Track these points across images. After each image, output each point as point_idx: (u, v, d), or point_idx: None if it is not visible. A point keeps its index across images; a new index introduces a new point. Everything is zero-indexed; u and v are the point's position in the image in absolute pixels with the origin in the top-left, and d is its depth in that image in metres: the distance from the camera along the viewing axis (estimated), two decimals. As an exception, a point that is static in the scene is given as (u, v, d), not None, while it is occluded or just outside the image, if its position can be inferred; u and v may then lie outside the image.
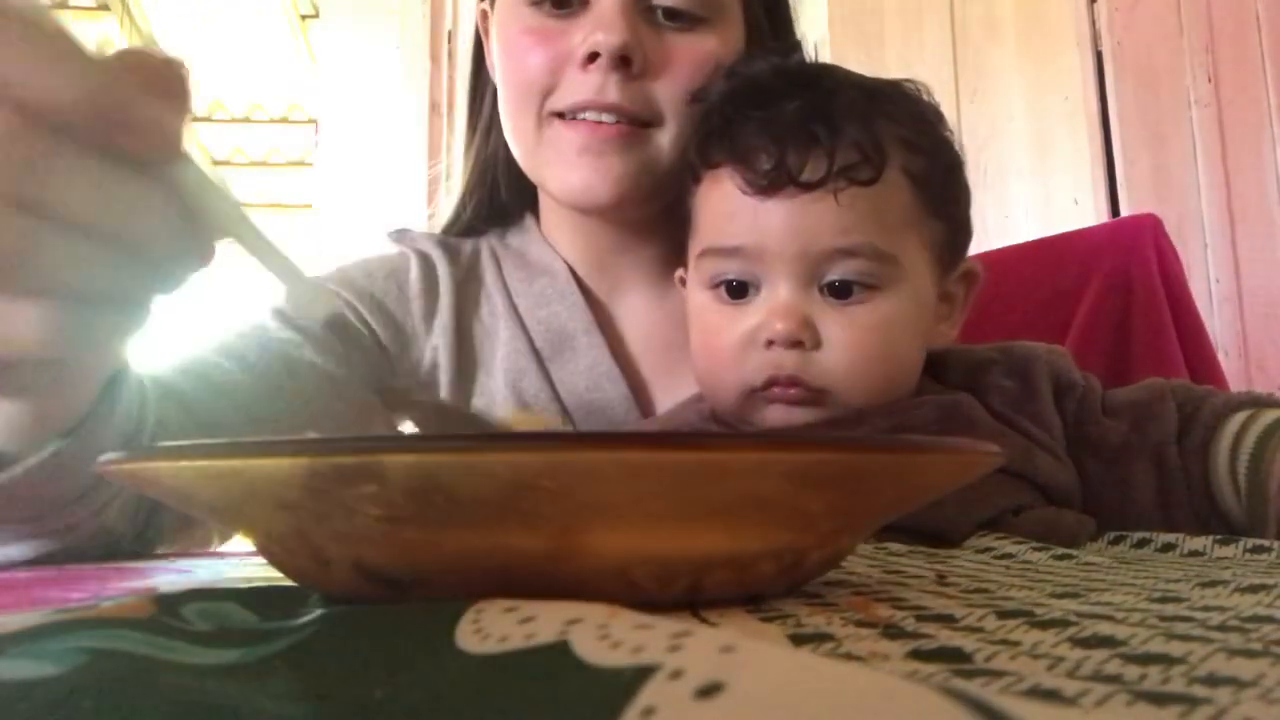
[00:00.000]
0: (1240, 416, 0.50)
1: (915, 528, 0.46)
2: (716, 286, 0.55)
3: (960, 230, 0.58)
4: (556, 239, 0.72)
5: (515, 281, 0.72)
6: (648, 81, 0.62)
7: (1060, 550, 0.41)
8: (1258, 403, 0.52)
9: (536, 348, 0.69)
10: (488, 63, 0.72)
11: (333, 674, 0.18)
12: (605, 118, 0.62)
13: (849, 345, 0.52)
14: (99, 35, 4.17)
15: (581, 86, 0.61)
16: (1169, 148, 1.89)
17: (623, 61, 0.60)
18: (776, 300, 0.52)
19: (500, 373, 0.68)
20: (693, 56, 0.63)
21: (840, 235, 0.51)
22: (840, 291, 0.52)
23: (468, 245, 0.75)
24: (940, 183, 0.55)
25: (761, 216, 0.52)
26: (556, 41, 0.62)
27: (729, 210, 0.54)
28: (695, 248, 0.57)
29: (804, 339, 0.51)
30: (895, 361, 0.54)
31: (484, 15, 0.72)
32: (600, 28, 0.60)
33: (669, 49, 0.63)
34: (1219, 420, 0.50)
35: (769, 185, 0.52)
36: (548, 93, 0.63)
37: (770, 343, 0.52)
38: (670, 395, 0.68)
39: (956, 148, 0.58)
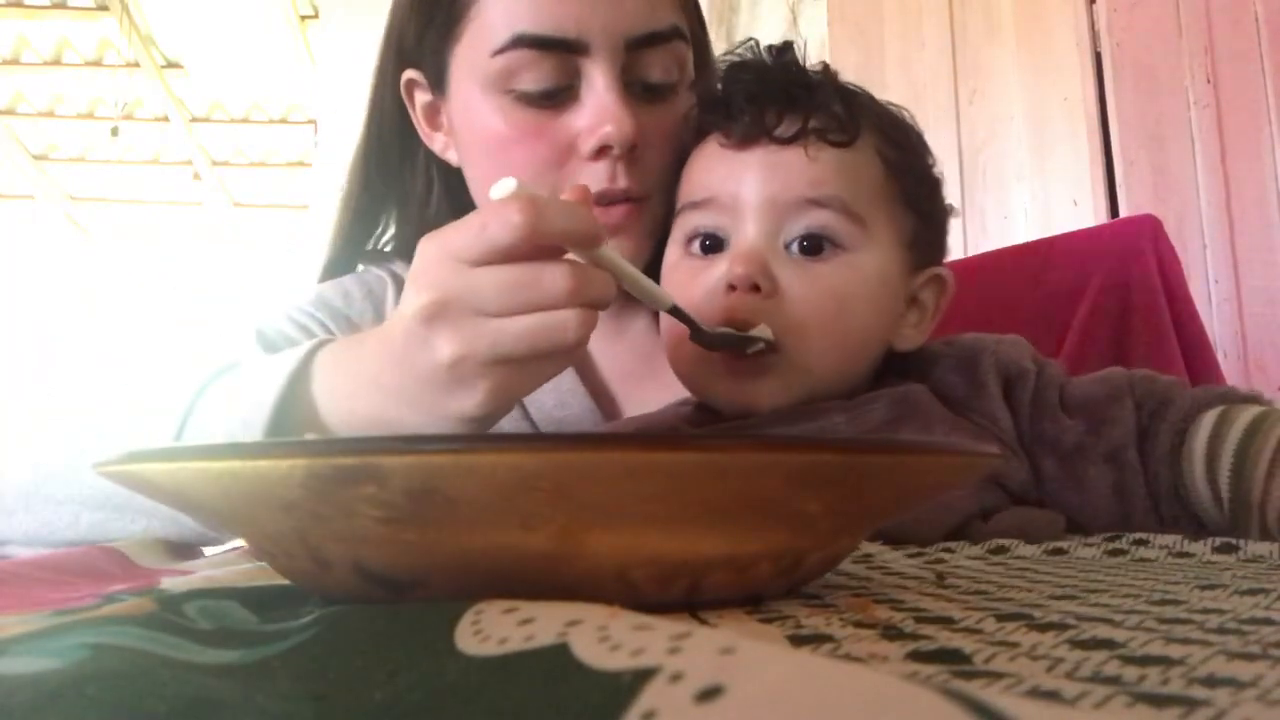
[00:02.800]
0: (1210, 417, 0.49)
1: (885, 535, 0.46)
2: (689, 243, 0.57)
3: (934, 231, 0.59)
4: None
5: None
6: (643, 158, 0.63)
7: (1053, 545, 0.42)
8: (1224, 399, 0.51)
9: None
10: (422, 133, 0.70)
11: (332, 675, 0.18)
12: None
13: (806, 299, 0.53)
14: (99, 36, 4.17)
15: (593, 176, 0.61)
16: (1168, 149, 1.89)
17: (630, 149, 0.61)
18: (741, 246, 0.54)
19: None
20: (670, 127, 0.64)
21: (808, 186, 0.53)
22: (808, 250, 0.54)
23: None
24: (915, 179, 0.58)
25: (736, 167, 0.55)
26: (550, 134, 0.62)
27: (708, 165, 0.57)
28: (676, 209, 0.59)
29: (761, 284, 0.52)
30: (851, 328, 0.54)
31: (410, 85, 0.69)
32: (607, 120, 0.60)
33: (655, 122, 0.63)
34: (1188, 423, 0.50)
35: (745, 138, 0.55)
36: (552, 187, 0.62)
37: (731, 288, 0.53)
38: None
39: (937, 173, 0.60)
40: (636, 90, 0.63)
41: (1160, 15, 1.93)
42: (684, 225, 0.58)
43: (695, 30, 0.69)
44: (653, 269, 0.69)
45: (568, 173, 0.62)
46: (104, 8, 3.99)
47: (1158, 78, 1.91)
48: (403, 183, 0.73)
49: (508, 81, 0.61)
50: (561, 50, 0.60)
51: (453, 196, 0.71)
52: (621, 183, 0.61)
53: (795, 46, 0.60)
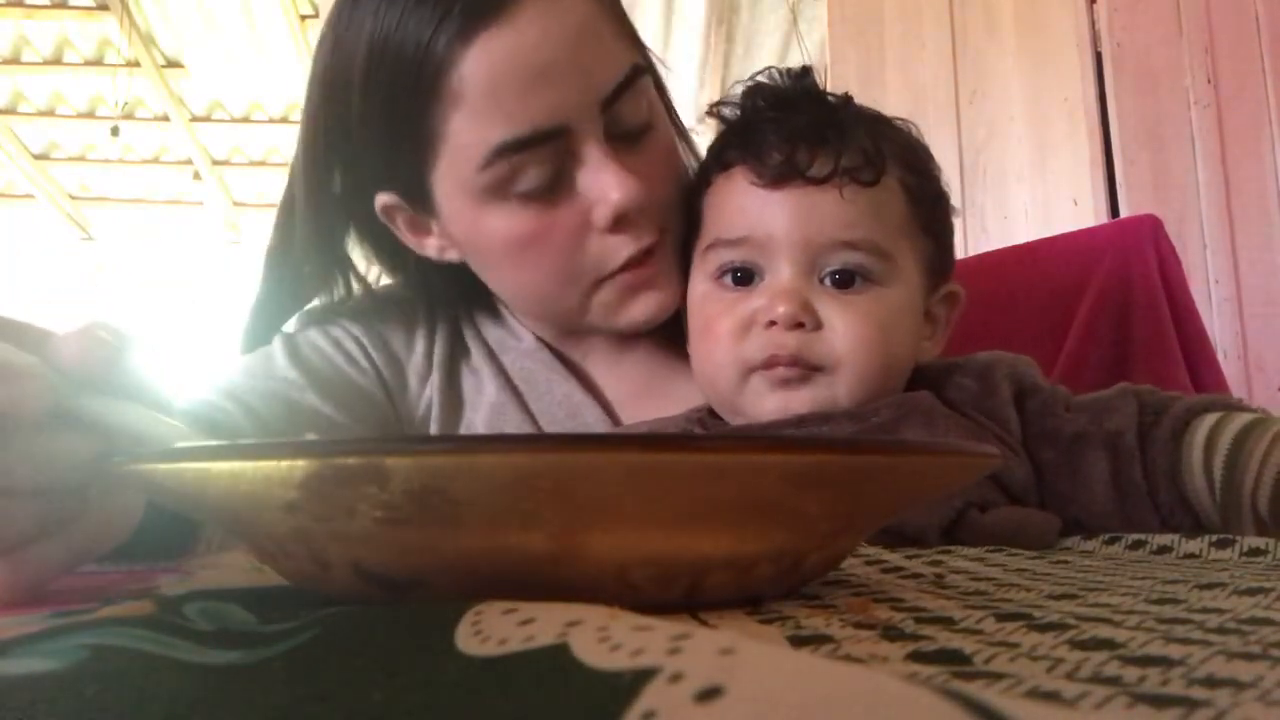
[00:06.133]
0: (1214, 415, 0.51)
1: (883, 528, 0.47)
2: (720, 276, 0.58)
3: (946, 252, 0.61)
4: (524, 322, 0.73)
5: (487, 328, 0.74)
6: (650, 202, 0.62)
7: (1055, 556, 0.42)
8: (1229, 406, 0.52)
9: (515, 385, 0.71)
10: (411, 244, 0.67)
11: (332, 676, 0.18)
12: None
13: (849, 328, 0.54)
14: (99, 35, 4.18)
15: (619, 247, 0.61)
16: (1168, 148, 1.89)
17: (642, 207, 0.60)
18: (779, 284, 0.55)
19: (484, 408, 0.70)
20: (663, 158, 0.64)
21: (843, 228, 0.55)
22: (841, 282, 0.55)
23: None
24: (931, 203, 0.59)
25: (769, 207, 0.56)
26: (562, 222, 0.60)
27: (739, 204, 0.57)
28: (702, 243, 0.60)
29: (805, 321, 0.54)
30: (890, 354, 0.56)
31: (389, 209, 0.65)
32: (611, 189, 0.59)
33: (648, 164, 0.62)
34: (1192, 416, 0.51)
35: (778, 178, 0.55)
36: (581, 269, 0.62)
37: (771, 323, 0.54)
38: None
39: (945, 186, 0.62)
40: (623, 143, 0.62)
41: (1160, 15, 1.93)
42: (715, 260, 0.58)
43: (639, 51, 0.67)
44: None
45: (591, 252, 0.62)
46: (104, 7, 3.99)
47: (1158, 78, 1.92)
48: (396, 271, 0.73)
49: (504, 189, 0.59)
50: (545, 142, 0.58)
51: (457, 274, 0.69)
52: (646, 241, 0.61)
53: (814, 71, 0.61)
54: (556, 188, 0.60)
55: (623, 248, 0.61)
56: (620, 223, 0.60)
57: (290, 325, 0.72)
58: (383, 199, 0.65)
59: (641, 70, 0.62)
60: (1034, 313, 0.92)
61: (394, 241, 0.69)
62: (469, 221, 0.62)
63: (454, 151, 0.59)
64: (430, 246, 0.67)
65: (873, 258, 0.55)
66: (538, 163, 0.58)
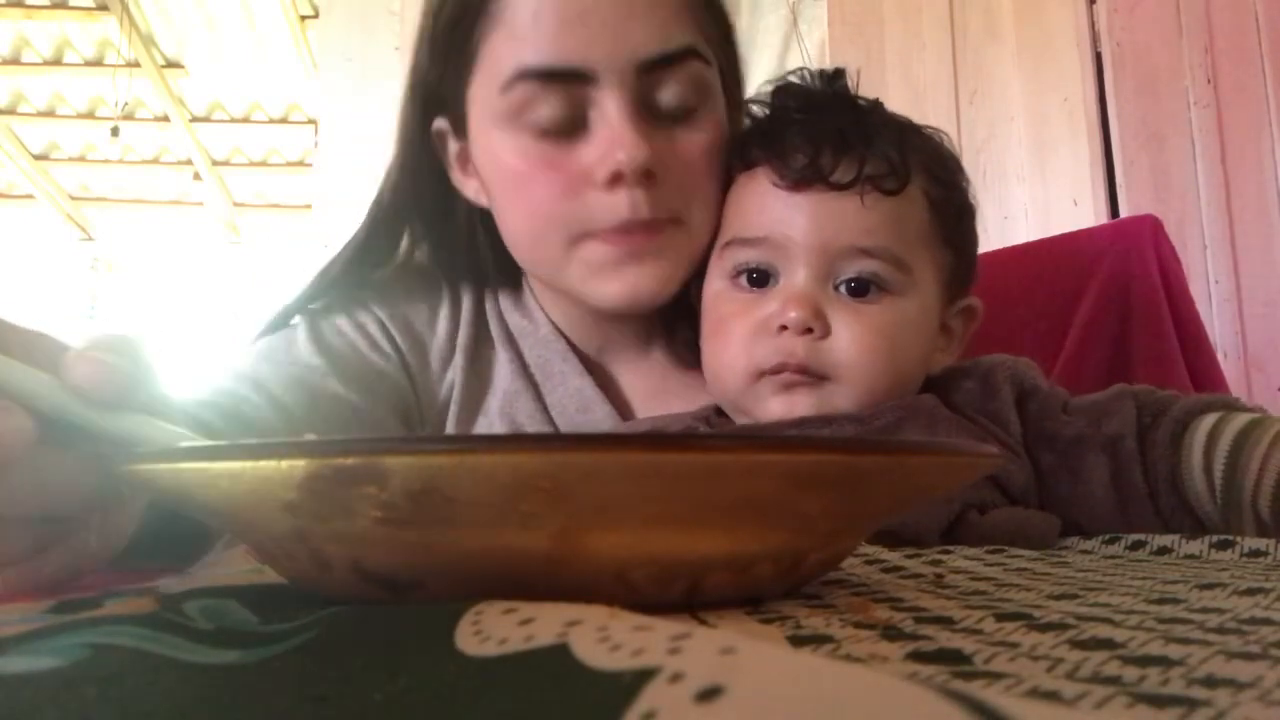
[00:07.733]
0: (1212, 416, 0.51)
1: (882, 529, 0.47)
2: (737, 276, 0.58)
3: (967, 265, 0.61)
4: (546, 306, 0.73)
5: (508, 312, 0.74)
6: (666, 183, 0.61)
7: (1055, 556, 0.42)
8: (1227, 405, 0.52)
9: (530, 372, 0.71)
10: (456, 181, 0.69)
11: (332, 676, 0.18)
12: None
13: (858, 338, 0.54)
14: (99, 36, 4.18)
15: (613, 207, 0.60)
16: (1168, 149, 1.89)
17: (647, 175, 0.59)
18: (792, 289, 0.55)
19: (500, 394, 0.70)
20: (700, 149, 0.62)
21: (862, 235, 0.55)
22: (856, 290, 0.55)
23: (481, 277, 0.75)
24: (955, 215, 0.59)
25: (790, 209, 0.56)
26: (566, 166, 0.60)
27: (759, 204, 0.58)
28: (721, 240, 0.60)
29: (815, 327, 0.54)
30: (900, 365, 0.56)
31: (440, 135, 0.69)
32: (618, 146, 0.58)
33: (677, 147, 0.62)
34: (1190, 418, 0.51)
35: (800, 180, 0.55)
36: (571, 217, 0.61)
37: (782, 328, 0.54)
38: None
39: (972, 198, 0.61)
40: (655, 114, 0.61)
41: (1160, 15, 1.93)
42: (732, 259, 0.58)
43: (721, 49, 0.67)
44: (687, 295, 0.67)
45: (585, 204, 0.61)
46: (104, 8, 3.99)
47: (1158, 78, 1.91)
48: (444, 231, 0.72)
49: (518, 117, 0.60)
50: (568, 80, 0.59)
51: (494, 239, 0.70)
52: (643, 213, 0.60)
53: (847, 74, 0.60)
54: (572, 132, 0.60)
55: (616, 209, 0.60)
56: (617, 182, 0.59)
57: (315, 310, 0.72)
58: (437, 123, 0.68)
59: (696, 54, 0.62)
60: (1034, 313, 0.92)
61: (446, 202, 0.71)
62: (488, 146, 0.64)
63: (488, 68, 0.62)
64: (470, 188, 0.69)
65: (889, 267, 0.55)
66: (554, 99, 0.59)
